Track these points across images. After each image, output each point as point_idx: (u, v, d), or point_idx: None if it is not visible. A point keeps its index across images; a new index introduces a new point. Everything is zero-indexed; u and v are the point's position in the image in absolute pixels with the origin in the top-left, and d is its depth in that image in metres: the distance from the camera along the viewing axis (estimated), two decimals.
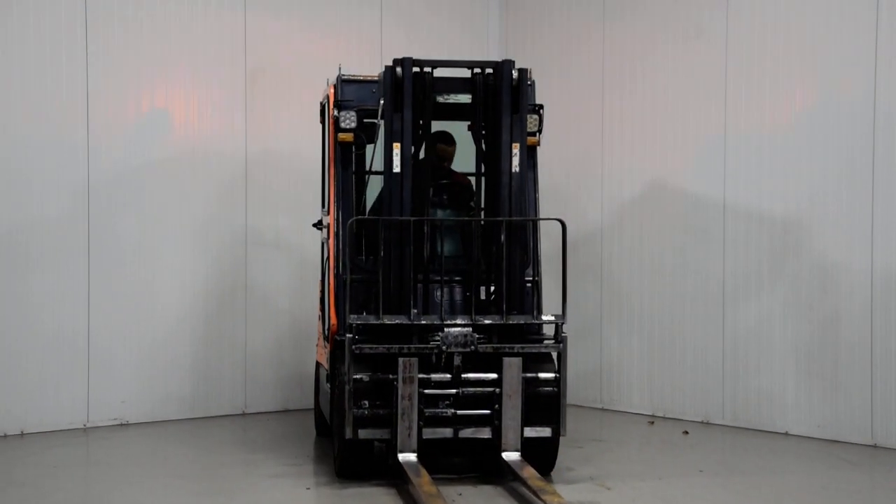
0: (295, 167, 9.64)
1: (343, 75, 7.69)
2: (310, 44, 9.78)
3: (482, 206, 7.55)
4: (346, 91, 7.55)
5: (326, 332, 7.52)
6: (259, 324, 9.71)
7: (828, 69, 8.50)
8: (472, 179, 7.86)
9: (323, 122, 8.14)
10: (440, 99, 7.32)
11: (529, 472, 6.53)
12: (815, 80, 8.59)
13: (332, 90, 7.63)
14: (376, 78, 7.43)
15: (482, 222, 7.30)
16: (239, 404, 9.62)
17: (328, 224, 7.66)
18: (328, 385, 7.40)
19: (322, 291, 8.09)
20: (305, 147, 9.33)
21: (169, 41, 9.26)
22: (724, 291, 9.15)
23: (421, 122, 7.33)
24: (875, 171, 8.22)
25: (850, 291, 8.38)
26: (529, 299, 7.19)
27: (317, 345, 8.64)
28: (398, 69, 7.03)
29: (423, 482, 6.31)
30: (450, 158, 7.70)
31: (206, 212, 9.48)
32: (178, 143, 9.32)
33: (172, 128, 9.30)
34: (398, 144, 6.99)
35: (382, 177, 7.22)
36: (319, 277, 8.42)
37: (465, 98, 7.34)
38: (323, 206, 8.06)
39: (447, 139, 7.65)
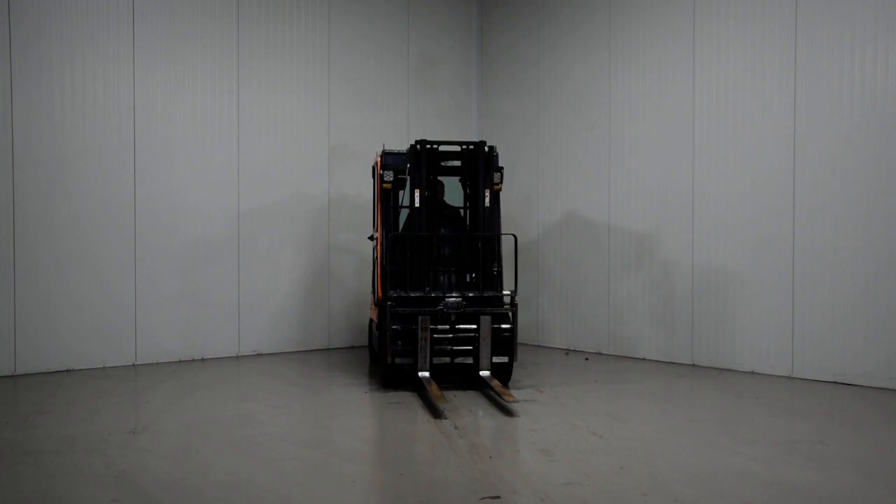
0: (356, 203, 9.53)
1: (385, 149, 7.62)
2: (365, 130, 9.66)
3: (468, 225, 7.48)
4: (387, 159, 7.47)
5: (376, 300, 7.45)
6: (337, 295, 9.58)
7: (658, 152, 8.43)
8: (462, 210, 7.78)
9: (373, 177, 8.06)
10: (442, 163, 7.25)
11: (495, 383, 6.48)
12: (658, 160, 8.51)
13: (379, 158, 7.56)
14: (405, 151, 7.36)
15: (468, 236, 7.23)
16: (325, 342, 9.49)
17: (377, 237, 7.58)
18: (377, 331, 7.34)
19: (373, 276, 8.01)
20: (362, 191, 9.23)
21: (285, 130, 9.14)
22: (609, 277, 9.06)
23: (431, 177, 7.24)
24: (694, 210, 8.17)
25: (680, 277, 8.31)
26: (495, 281, 7.11)
27: (370, 308, 8.56)
28: (417, 146, 6.95)
29: (433, 389, 6.26)
30: (441, 193, 7.58)
31: (306, 230, 9.34)
32: (290, 189, 9.18)
33: (287, 181, 9.16)
34: (417, 190, 6.91)
35: (408, 209, 7.15)
36: (371, 268, 8.33)
37: (457, 163, 7.27)
38: (373, 226, 7.98)
39: (440, 183, 7.54)
